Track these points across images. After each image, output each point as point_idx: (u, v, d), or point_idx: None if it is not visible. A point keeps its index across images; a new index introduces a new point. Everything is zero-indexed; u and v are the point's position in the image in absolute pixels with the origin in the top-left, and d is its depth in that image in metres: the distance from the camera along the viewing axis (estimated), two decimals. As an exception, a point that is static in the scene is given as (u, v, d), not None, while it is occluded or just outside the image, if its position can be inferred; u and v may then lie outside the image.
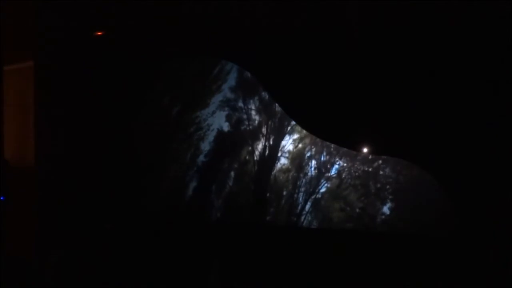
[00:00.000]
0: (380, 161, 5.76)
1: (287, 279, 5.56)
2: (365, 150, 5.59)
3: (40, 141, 6.15)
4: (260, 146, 6.25)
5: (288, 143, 6.13)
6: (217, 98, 6.34)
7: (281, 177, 6.15)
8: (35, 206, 6.13)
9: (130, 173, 6.32)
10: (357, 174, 5.83)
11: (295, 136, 6.14)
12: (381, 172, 5.79)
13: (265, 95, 6.16)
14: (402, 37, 5.02)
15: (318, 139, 5.88)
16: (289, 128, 6.15)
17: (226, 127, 6.32)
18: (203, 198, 6.35)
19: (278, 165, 6.15)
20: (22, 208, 6.10)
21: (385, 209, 5.69)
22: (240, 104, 6.31)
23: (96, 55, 6.24)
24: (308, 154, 6.11)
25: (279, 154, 6.17)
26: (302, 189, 6.11)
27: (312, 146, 6.12)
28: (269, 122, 6.19)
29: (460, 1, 4.86)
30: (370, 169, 5.81)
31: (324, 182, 5.99)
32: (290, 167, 6.17)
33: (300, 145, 6.13)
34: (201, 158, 6.38)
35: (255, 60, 5.81)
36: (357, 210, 5.78)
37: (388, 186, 5.71)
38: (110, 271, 5.98)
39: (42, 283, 5.91)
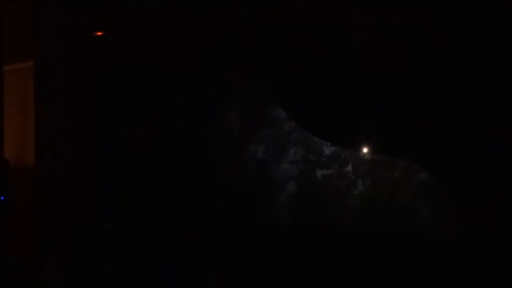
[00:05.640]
0: (380, 161, 5.77)
1: (288, 278, 5.58)
2: (365, 150, 5.60)
3: (40, 141, 6.14)
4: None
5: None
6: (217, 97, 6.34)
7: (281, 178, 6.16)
8: (35, 206, 6.12)
9: (130, 173, 6.32)
10: (357, 174, 5.83)
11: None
12: (381, 172, 5.79)
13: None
14: (404, 38, 5.04)
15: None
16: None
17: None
18: (202, 198, 6.35)
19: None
20: (22, 208, 6.09)
21: (385, 209, 5.69)
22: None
23: (96, 55, 6.24)
24: (311, 154, 6.12)
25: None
26: (302, 187, 6.11)
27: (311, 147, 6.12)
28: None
29: (460, 1, 4.88)
30: (370, 169, 5.81)
31: (324, 181, 5.99)
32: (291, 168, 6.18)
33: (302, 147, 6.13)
34: (202, 157, 6.38)
35: (254, 59, 5.82)
36: (357, 210, 5.79)
37: (388, 186, 5.71)
38: (110, 272, 5.98)
39: (42, 283, 5.90)
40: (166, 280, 5.90)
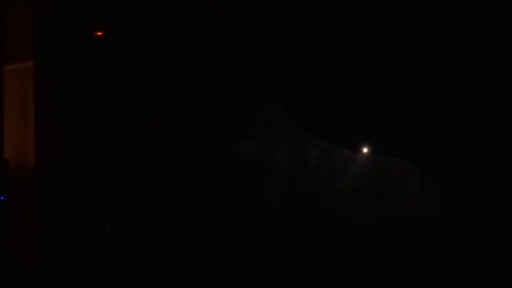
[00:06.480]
0: (379, 160, 5.75)
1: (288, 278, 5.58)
2: (365, 150, 5.59)
3: (40, 141, 6.15)
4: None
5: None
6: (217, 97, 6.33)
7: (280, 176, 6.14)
8: (35, 206, 6.12)
9: (130, 173, 6.32)
10: (356, 173, 5.82)
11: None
12: (380, 171, 5.78)
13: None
14: (404, 37, 5.04)
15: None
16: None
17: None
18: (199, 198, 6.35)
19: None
20: (22, 208, 6.09)
21: (385, 209, 5.68)
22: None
23: (96, 55, 6.24)
24: (309, 153, 6.10)
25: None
26: (301, 186, 6.10)
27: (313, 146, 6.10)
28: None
29: (460, 1, 4.88)
30: (369, 169, 5.80)
31: (324, 181, 5.98)
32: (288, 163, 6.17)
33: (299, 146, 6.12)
34: (202, 156, 6.37)
35: (254, 59, 5.82)
36: (356, 209, 5.78)
37: (387, 186, 5.70)
38: (110, 272, 5.98)
39: (42, 283, 5.91)
40: (166, 280, 5.91)
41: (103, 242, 6.17)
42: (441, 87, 4.99)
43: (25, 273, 5.95)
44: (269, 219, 6.11)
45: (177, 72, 6.21)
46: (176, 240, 6.12)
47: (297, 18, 5.45)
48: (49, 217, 6.12)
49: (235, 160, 6.23)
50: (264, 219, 6.14)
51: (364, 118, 5.31)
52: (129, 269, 6.05)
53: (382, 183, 5.65)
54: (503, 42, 4.75)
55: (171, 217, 6.26)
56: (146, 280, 5.97)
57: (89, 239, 6.15)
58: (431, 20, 5.00)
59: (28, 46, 6.18)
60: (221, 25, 5.78)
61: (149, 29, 6.08)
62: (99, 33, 6.28)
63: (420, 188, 5.47)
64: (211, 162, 6.35)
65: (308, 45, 5.48)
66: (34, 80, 6.15)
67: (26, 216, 6.09)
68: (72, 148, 6.26)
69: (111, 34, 6.26)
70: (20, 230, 6.08)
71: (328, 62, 5.42)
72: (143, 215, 6.27)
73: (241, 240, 5.96)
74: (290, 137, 6.07)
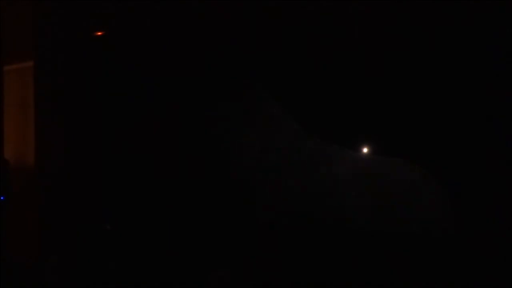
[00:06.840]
0: (380, 161, 5.76)
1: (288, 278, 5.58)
2: (365, 150, 5.60)
3: (40, 141, 6.15)
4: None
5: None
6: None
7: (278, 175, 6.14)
8: (35, 206, 6.12)
9: (130, 173, 6.32)
10: (356, 173, 5.83)
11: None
12: (380, 172, 5.78)
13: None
14: (404, 37, 5.05)
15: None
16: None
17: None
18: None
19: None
20: (22, 208, 6.10)
21: (384, 209, 5.68)
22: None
23: (96, 55, 6.25)
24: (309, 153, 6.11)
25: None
26: (300, 186, 6.10)
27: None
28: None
29: (460, 1, 4.89)
30: (369, 169, 5.80)
31: (324, 181, 5.99)
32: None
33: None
34: (202, 156, 6.38)
35: (254, 59, 5.82)
36: (356, 209, 5.78)
37: (387, 186, 5.71)
38: (110, 271, 5.99)
39: (42, 283, 5.91)
40: (166, 280, 5.91)
41: (103, 242, 6.18)
42: (441, 87, 5.00)
43: (25, 273, 5.95)
44: (269, 219, 6.12)
45: (177, 72, 6.21)
46: (176, 240, 6.12)
47: (297, 18, 5.47)
48: (49, 217, 6.12)
49: (235, 160, 6.24)
50: (264, 219, 6.14)
51: (364, 118, 5.31)
52: (129, 269, 6.05)
53: (382, 182, 5.65)
54: (503, 42, 4.75)
55: (171, 217, 6.26)
56: (146, 280, 5.98)
57: (89, 239, 6.15)
58: (431, 20, 5.01)
59: (28, 46, 6.18)
60: (221, 25, 5.79)
61: (148, 29, 6.09)
62: (99, 33, 6.28)
63: (420, 188, 5.48)
64: (211, 162, 6.36)
65: (308, 45, 5.49)
66: (34, 80, 6.16)
67: (26, 216, 6.09)
68: (72, 148, 6.26)
69: (111, 34, 6.26)
70: (20, 230, 6.08)
71: (328, 62, 5.42)
72: (143, 215, 6.27)
73: (241, 240, 5.96)
74: (290, 137, 6.08)
